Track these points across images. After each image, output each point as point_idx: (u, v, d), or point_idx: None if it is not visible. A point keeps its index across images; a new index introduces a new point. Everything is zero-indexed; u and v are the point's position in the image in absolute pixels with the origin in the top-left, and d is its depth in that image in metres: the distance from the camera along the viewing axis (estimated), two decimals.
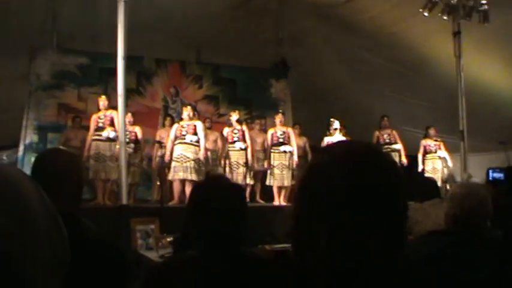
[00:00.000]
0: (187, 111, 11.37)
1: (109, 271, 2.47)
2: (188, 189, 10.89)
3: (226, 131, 12.08)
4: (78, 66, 13.95)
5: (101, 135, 10.92)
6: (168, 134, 11.68)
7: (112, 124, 10.88)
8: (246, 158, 11.88)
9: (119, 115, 8.93)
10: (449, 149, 13.09)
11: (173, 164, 11.00)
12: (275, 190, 12.01)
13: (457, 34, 11.19)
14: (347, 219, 1.12)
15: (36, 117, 13.47)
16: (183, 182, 11.03)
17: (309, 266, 1.15)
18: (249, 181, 12.02)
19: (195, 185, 2.96)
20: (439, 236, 3.60)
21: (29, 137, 13.35)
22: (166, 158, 11.19)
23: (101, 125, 11.05)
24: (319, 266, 1.12)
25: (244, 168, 11.79)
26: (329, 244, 1.11)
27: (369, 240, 1.11)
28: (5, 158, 13.56)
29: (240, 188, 2.94)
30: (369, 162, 1.20)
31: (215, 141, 12.55)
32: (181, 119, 11.58)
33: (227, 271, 2.61)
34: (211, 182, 2.82)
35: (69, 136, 12.13)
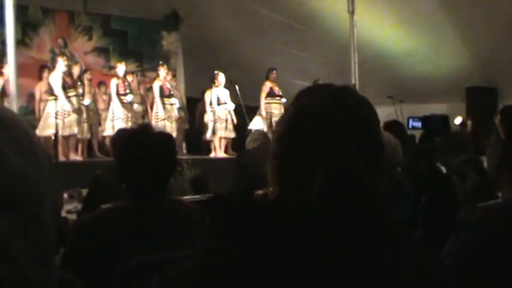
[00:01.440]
0: (64, 62, 11.08)
1: None
2: (72, 143, 10.95)
3: (115, 82, 11.83)
4: None
5: None
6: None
7: None
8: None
9: (9, 67, 8.56)
10: None
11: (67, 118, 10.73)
12: None
13: None
14: (338, 156, 1.15)
15: None
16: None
17: (302, 205, 1.16)
18: None
19: (123, 136, 2.89)
20: None
21: None
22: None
23: None
24: (317, 203, 1.13)
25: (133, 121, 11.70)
26: (326, 181, 1.13)
27: (362, 173, 1.15)
28: None
29: (170, 137, 2.92)
30: (352, 102, 1.25)
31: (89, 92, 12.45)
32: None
33: (166, 219, 2.63)
34: (141, 132, 2.76)
35: None
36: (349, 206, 1.11)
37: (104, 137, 12.22)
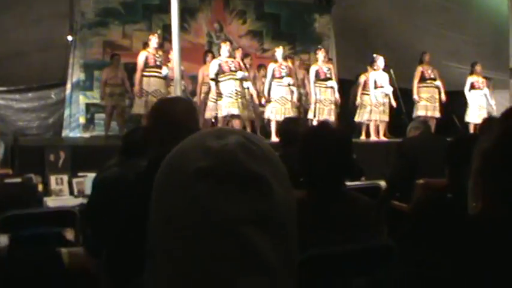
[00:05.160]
0: (227, 47, 11.30)
1: None
2: (236, 124, 11.11)
3: (272, 66, 11.99)
4: (122, 3, 13.92)
5: (160, 73, 11.05)
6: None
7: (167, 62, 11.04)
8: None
9: (173, 53, 8.99)
10: (496, 86, 13.02)
11: (226, 100, 11.04)
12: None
13: None
14: None
15: (82, 55, 13.57)
16: (228, 117, 11.22)
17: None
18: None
19: (305, 132, 3.02)
20: None
21: (76, 75, 13.49)
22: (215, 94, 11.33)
23: (158, 63, 11.13)
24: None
25: (290, 103, 11.82)
26: None
27: None
28: (53, 96, 13.73)
29: (347, 135, 3.04)
30: None
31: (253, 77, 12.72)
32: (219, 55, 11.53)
33: (344, 212, 2.75)
34: (321, 129, 2.90)
35: (109, 74, 12.23)
36: None
37: (267, 120, 12.46)
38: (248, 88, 11.68)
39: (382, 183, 5.89)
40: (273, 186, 0.92)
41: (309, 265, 2.41)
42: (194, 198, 0.88)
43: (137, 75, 11.22)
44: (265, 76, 12.39)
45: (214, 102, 11.26)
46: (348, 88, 14.03)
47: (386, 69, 12.71)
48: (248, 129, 11.74)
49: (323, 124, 2.96)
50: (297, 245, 0.97)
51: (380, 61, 12.62)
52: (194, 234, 0.87)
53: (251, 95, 12.01)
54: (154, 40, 11.31)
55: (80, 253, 2.51)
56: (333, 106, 12.21)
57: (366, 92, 12.85)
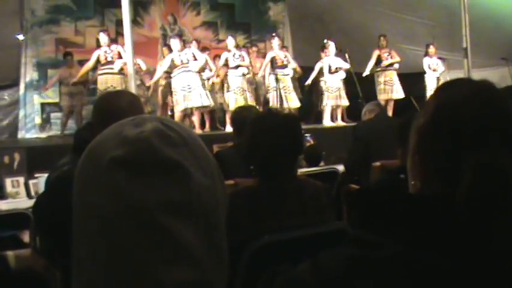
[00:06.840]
0: (176, 40, 11.19)
1: None
2: (196, 116, 11.05)
3: (225, 55, 11.97)
4: None
5: (112, 69, 10.91)
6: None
7: (120, 57, 10.85)
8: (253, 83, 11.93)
9: (125, 47, 8.87)
10: (451, 66, 13.14)
11: (180, 94, 10.98)
12: None
13: None
14: (485, 152, 1.17)
15: (35, 54, 13.34)
16: (189, 110, 11.16)
17: (447, 200, 1.18)
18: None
19: (253, 119, 2.97)
20: None
21: (29, 74, 13.24)
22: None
23: (110, 58, 11.01)
24: (465, 199, 1.16)
25: (248, 93, 11.81)
26: (476, 178, 1.15)
27: (510, 168, 1.16)
28: (6, 97, 13.51)
29: (296, 119, 3.01)
30: (493, 96, 1.27)
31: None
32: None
33: (293, 198, 2.73)
34: (269, 116, 2.86)
35: (63, 75, 12.17)
36: (498, 201, 1.13)
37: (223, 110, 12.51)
38: (208, 79, 11.61)
39: (340, 167, 5.90)
40: (192, 173, 0.90)
41: (260, 252, 2.39)
42: (110, 188, 0.86)
43: (81, 70, 11.37)
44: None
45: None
46: (303, 75, 14.03)
47: (340, 53, 12.76)
48: (207, 121, 11.80)
49: (269, 110, 2.94)
50: (225, 235, 0.95)
51: (331, 46, 12.69)
52: (112, 225, 0.85)
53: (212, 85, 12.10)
54: (103, 36, 11.20)
55: (29, 255, 2.46)
56: (291, 94, 12.21)
57: (323, 79, 12.90)
